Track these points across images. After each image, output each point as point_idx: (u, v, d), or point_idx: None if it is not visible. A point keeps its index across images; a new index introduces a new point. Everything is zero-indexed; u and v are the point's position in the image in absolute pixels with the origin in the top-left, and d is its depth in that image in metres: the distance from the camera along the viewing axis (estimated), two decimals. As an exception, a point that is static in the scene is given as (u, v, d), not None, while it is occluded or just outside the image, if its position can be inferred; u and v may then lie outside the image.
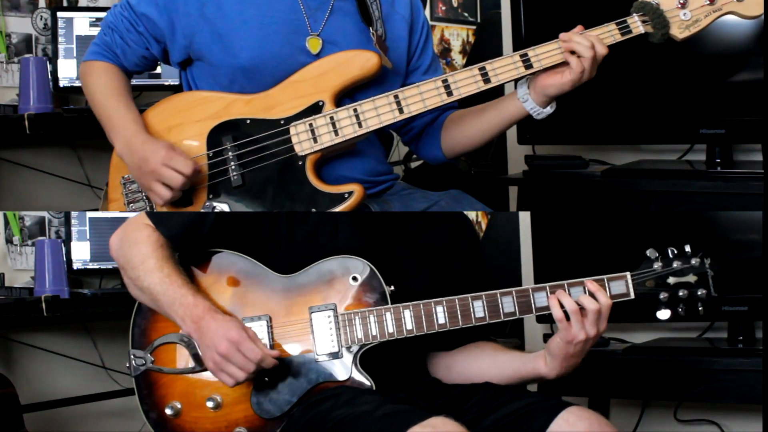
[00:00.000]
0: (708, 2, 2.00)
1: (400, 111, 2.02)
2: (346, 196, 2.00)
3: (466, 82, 2.01)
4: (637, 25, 2.01)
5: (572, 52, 1.98)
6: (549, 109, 2.06)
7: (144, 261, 1.90)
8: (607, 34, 2.01)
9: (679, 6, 2.00)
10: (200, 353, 1.87)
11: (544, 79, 2.01)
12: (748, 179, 2.60)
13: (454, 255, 2.01)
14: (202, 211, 2.02)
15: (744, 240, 2.66)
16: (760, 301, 2.58)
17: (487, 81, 2.01)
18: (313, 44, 2.07)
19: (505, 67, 2.01)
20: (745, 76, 2.64)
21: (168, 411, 1.91)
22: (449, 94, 2.02)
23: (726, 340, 2.75)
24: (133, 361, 1.93)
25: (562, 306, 1.84)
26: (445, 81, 2.02)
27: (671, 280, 1.88)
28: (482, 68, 2.01)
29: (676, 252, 1.88)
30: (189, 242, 1.94)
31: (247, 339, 1.83)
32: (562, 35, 2.00)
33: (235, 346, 1.82)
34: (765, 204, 2.48)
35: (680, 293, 1.87)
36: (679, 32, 2.02)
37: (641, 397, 2.92)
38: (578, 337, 1.84)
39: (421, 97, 2.02)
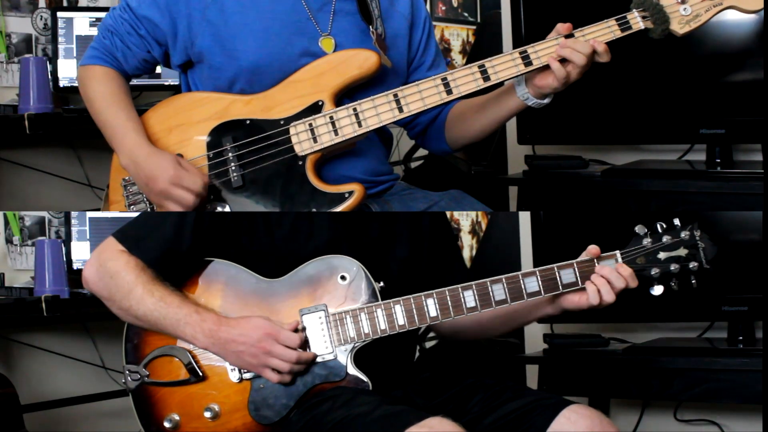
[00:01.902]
0: None
1: (400, 110, 2.01)
2: (347, 195, 1.99)
3: (466, 80, 2.01)
4: (637, 21, 2.01)
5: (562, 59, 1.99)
6: (547, 100, 2.07)
7: (131, 290, 1.87)
8: (607, 30, 2.00)
9: (679, 1, 2.00)
10: (229, 362, 1.85)
11: (539, 81, 2.02)
12: (748, 179, 2.60)
13: (424, 226, 2.02)
14: (173, 216, 1.97)
15: (744, 240, 2.67)
16: (760, 301, 2.59)
17: (486, 79, 2.01)
18: (327, 44, 2.07)
19: (504, 65, 2.01)
20: (745, 76, 2.64)
21: (167, 424, 1.89)
22: (449, 92, 2.01)
23: (726, 340, 2.75)
24: (129, 377, 1.92)
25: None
26: (444, 79, 2.01)
27: (662, 255, 1.86)
28: (482, 66, 2.01)
29: (665, 226, 1.87)
30: (169, 263, 1.91)
31: (281, 328, 1.82)
32: (562, 42, 1.99)
33: (274, 338, 1.82)
34: (765, 204, 2.48)
35: (672, 267, 1.85)
36: (679, 27, 2.00)
37: (641, 397, 2.93)
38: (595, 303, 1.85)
39: (420, 95, 2.01)
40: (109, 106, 2.08)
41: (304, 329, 1.86)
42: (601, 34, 2.00)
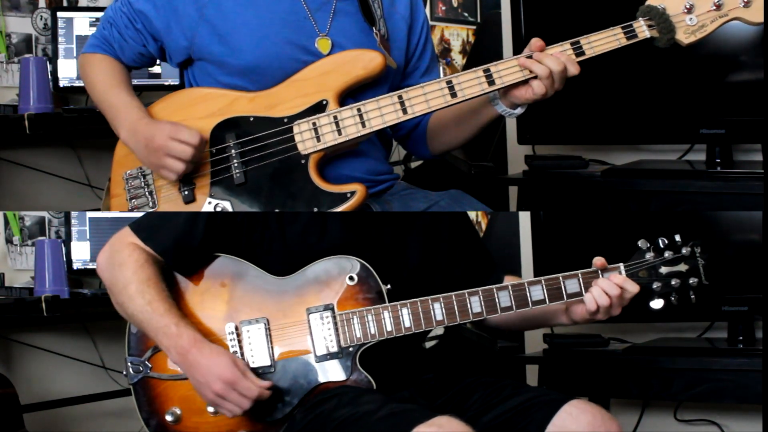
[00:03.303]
0: (714, 8, 2.00)
1: (404, 111, 2.01)
2: (349, 195, 1.99)
3: (471, 83, 2.01)
4: (642, 29, 2.01)
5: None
6: (519, 110, 2.06)
7: (126, 286, 1.88)
8: (613, 38, 2.00)
9: (686, 11, 2.00)
10: (192, 383, 1.85)
11: (511, 90, 2.02)
12: (748, 179, 2.60)
13: (440, 226, 2.03)
14: (187, 212, 1.99)
15: (744, 240, 2.67)
16: (760, 301, 2.59)
17: (491, 83, 2.01)
18: (323, 45, 2.07)
19: (509, 70, 2.00)
20: (745, 76, 2.64)
21: (168, 417, 1.89)
22: (453, 95, 2.01)
23: (726, 340, 2.75)
24: (131, 369, 1.92)
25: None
26: (449, 82, 2.01)
27: (663, 269, 1.90)
28: (487, 70, 2.00)
29: (666, 242, 1.91)
30: (181, 256, 1.92)
31: (241, 378, 1.81)
32: (523, 61, 1.98)
33: (231, 386, 1.81)
34: (765, 204, 2.48)
35: (673, 282, 1.90)
36: (684, 37, 2.02)
37: (641, 397, 2.93)
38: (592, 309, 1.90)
39: (425, 98, 2.01)
40: (111, 88, 2.11)
41: (270, 386, 1.85)
42: (607, 41, 2.00)
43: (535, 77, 1.97)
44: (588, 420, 1.80)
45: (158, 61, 2.25)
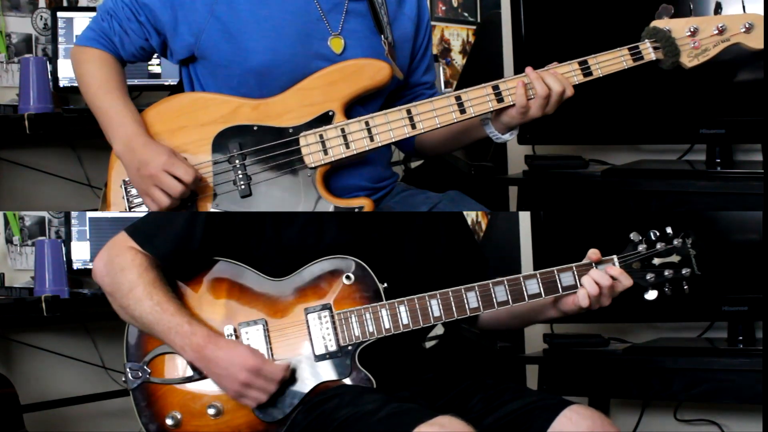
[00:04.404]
0: (717, 32, 2.04)
1: (413, 126, 2.00)
2: (356, 211, 1.99)
3: (480, 100, 2.00)
4: (648, 51, 2.04)
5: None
6: (508, 136, 2.08)
7: (131, 289, 1.87)
8: (620, 59, 2.03)
9: (690, 34, 2.03)
10: (211, 380, 1.86)
11: (503, 110, 2.03)
12: (748, 179, 2.61)
13: (437, 226, 2.03)
14: (186, 213, 1.98)
15: (744, 240, 2.67)
16: (760, 301, 2.59)
17: (500, 100, 2.00)
18: (336, 44, 2.04)
19: (518, 88, 2.00)
20: (745, 76, 2.64)
21: (168, 422, 1.89)
22: (462, 111, 2.00)
23: (726, 340, 2.75)
24: (129, 374, 1.92)
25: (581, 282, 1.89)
26: (458, 98, 2.00)
27: (656, 261, 1.92)
28: (495, 87, 2.00)
29: (658, 234, 1.93)
30: (180, 260, 1.92)
31: (264, 362, 1.83)
32: (530, 74, 2.00)
33: (256, 372, 1.83)
34: (765, 204, 2.48)
35: (666, 273, 1.91)
36: (688, 60, 2.05)
37: (641, 397, 2.93)
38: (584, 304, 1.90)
39: (434, 113, 2.00)
40: (105, 92, 2.05)
41: (289, 367, 1.86)
42: (614, 62, 2.03)
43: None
44: (587, 425, 1.80)
45: (158, 61, 2.23)
